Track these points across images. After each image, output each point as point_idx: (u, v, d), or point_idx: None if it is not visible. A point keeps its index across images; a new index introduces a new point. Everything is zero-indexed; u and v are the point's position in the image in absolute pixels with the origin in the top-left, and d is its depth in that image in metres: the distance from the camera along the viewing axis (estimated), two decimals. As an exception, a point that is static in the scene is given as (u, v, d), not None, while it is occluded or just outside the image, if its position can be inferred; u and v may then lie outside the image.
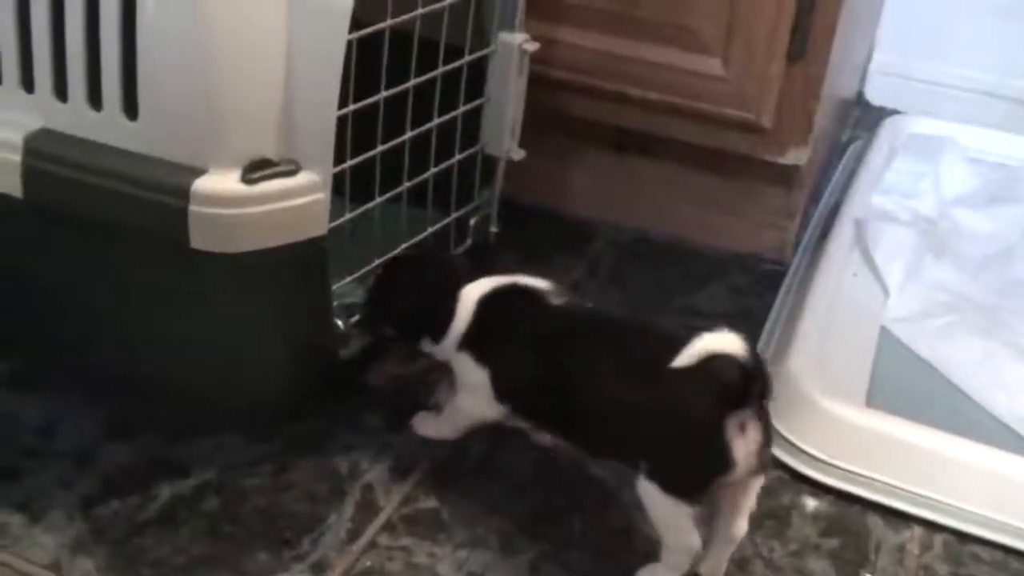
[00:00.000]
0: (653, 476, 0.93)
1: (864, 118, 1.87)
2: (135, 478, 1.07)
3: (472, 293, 1.05)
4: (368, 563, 1.01)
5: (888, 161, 1.68)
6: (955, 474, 1.11)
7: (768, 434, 0.92)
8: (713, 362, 0.88)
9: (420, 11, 1.03)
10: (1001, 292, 1.43)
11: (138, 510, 1.04)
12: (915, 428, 1.15)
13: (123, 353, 1.07)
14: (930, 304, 1.39)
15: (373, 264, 1.08)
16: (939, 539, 1.09)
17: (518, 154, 1.15)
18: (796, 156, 1.38)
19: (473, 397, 1.06)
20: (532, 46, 1.12)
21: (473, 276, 1.06)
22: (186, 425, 1.13)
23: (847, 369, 1.26)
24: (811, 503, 1.12)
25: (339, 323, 1.09)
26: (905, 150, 1.71)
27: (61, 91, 0.94)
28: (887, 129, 1.78)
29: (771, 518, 1.09)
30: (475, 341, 1.04)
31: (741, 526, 0.97)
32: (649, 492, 0.93)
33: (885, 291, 1.41)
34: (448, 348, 1.06)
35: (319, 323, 1.06)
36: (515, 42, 1.11)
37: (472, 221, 1.21)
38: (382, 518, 1.06)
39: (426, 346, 1.08)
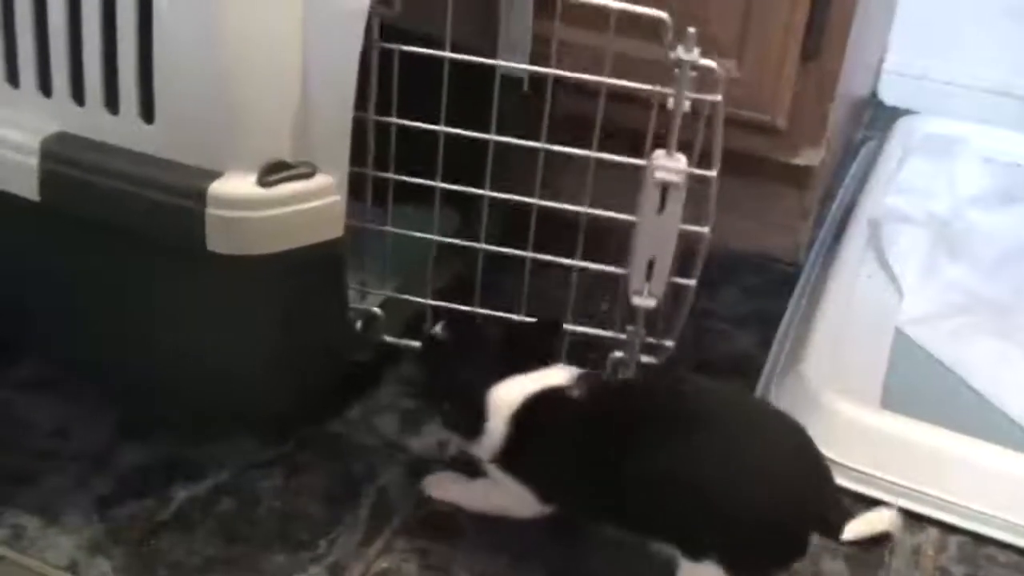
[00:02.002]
0: (725, 560, 0.89)
1: (877, 118, 1.86)
2: (151, 480, 1.08)
3: (503, 405, 0.95)
4: (384, 565, 1.01)
5: (902, 161, 1.67)
6: (970, 476, 1.11)
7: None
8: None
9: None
10: (1016, 293, 1.42)
11: (154, 511, 1.05)
12: (930, 430, 1.14)
13: (139, 355, 1.07)
14: (945, 305, 1.38)
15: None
16: (954, 541, 1.09)
17: (648, 302, 1.01)
18: (810, 157, 1.37)
19: (514, 501, 1.00)
20: (672, 177, 0.96)
21: (504, 366, 0.97)
22: (201, 427, 1.13)
23: (861, 371, 1.25)
24: (826, 505, 1.11)
25: (355, 326, 1.09)
26: (919, 150, 1.70)
27: (78, 95, 0.94)
28: (901, 129, 1.77)
29: (786, 520, 1.09)
30: (511, 458, 0.97)
31: None
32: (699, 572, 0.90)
33: (899, 292, 1.40)
34: (482, 455, 0.99)
35: (335, 326, 1.06)
36: (649, 173, 0.97)
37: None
38: (397, 520, 1.06)
39: (465, 444, 1.01)
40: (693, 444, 0.90)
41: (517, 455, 0.97)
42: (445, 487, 1.07)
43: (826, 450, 1.12)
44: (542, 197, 1.04)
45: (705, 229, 1.01)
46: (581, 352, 1.10)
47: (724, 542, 0.89)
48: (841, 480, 1.12)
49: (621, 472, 0.91)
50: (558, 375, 0.97)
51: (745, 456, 0.90)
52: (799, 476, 0.91)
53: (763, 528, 0.89)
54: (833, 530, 0.93)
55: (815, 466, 0.92)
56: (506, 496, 1.00)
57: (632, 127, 1.00)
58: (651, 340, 1.07)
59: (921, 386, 1.24)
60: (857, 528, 0.96)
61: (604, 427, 0.94)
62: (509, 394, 0.96)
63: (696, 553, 0.90)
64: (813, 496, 0.91)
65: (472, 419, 0.96)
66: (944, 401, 1.22)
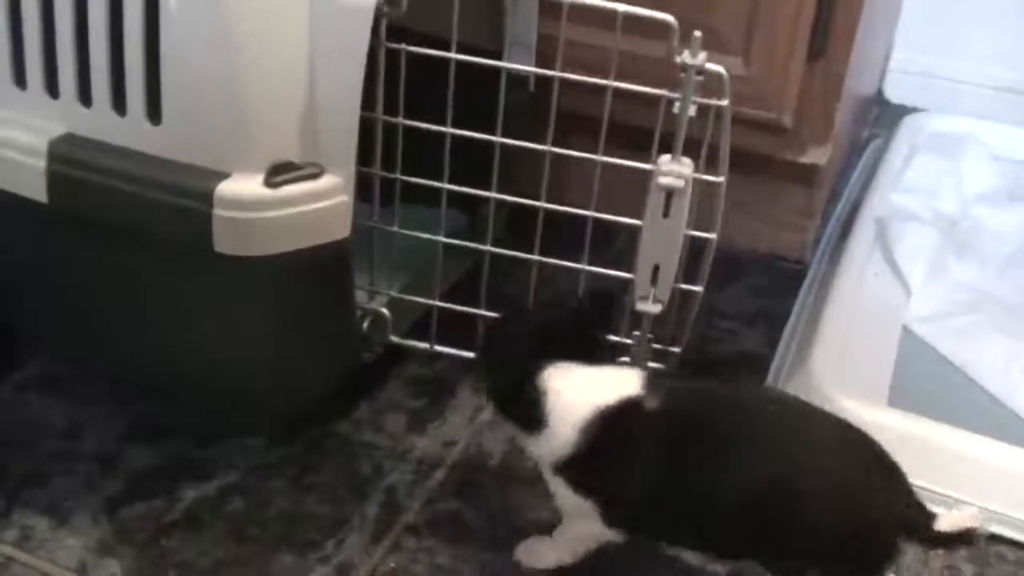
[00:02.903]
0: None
1: (884, 116, 1.86)
2: (159, 480, 1.08)
3: (572, 409, 0.89)
4: (392, 564, 1.02)
5: (908, 159, 1.67)
6: (979, 474, 1.11)
7: None
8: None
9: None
10: (1023, 291, 1.42)
11: (163, 512, 1.05)
12: (938, 428, 1.14)
13: (147, 356, 1.08)
14: (952, 303, 1.38)
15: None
16: (964, 540, 1.08)
17: (653, 308, 1.00)
18: (817, 155, 1.37)
19: (584, 523, 0.94)
20: (677, 182, 0.94)
21: (562, 348, 0.91)
22: (209, 427, 1.14)
23: (869, 369, 1.25)
24: (834, 504, 1.11)
25: (362, 326, 1.09)
26: (926, 148, 1.70)
27: (85, 96, 0.94)
28: (907, 127, 1.77)
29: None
30: (578, 471, 0.90)
31: None
32: None
33: (907, 290, 1.40)
34: (541, 458, 0.93)
35: (342, 326, 1.06)
36: (654, 178, 0.95)
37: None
38: (405, 520, 1.06)
39: (523, 439, 0.94)
40: (784, 461, 0.87)
41: (586, 469, 0.90)
42: (538, 553, 1.01)
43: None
44: (548, 192, 1.04)
45: (712, 235, 0.99)
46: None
47: (819, 559, 0.88)
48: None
49: (714, 494, 0.87)
50: (629, 381, 0.90)
51: (832, 470, 0.87)
52: (882, 485, 0.89)
53: (855, 541, 0.87)
54: (920, 532, 0.89)
55: (892, 473, 0.90)
56: (577, 522, 0.94)
57: (637, 124, 1.00)
58: (658, 346, 1.06)
59: (929, 384, 1.24)
60: (944, 525, 0.90)
61: (691, 445, 0.88)
62: (579, 399, 0.89)
63: (790, 572, 0.89)
64: (896, 503, 0.89)
65: (529, 410, 0.90)
66: (952, 399, 1.22)
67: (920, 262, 1.43)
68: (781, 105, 1.32)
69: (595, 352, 0.93)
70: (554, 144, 1.02)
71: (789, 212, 1.42)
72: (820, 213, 1.45)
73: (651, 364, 1.07)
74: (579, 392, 0.89)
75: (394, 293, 1.12)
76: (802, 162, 1.37)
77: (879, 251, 1.46)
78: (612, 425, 0.88)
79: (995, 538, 1.08)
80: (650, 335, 1.05)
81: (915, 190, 1.58)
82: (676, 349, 1.07)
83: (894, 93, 1.92)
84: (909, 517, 0.89)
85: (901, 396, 1.21)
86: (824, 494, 0.86)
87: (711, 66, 0.93)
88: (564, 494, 0.92)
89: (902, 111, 1.84)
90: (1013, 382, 1.24)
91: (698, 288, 1.03)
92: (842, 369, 1.20)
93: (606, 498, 0.90)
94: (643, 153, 0.99)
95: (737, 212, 1.28)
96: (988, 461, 1.12)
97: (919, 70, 1.91)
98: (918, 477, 1.10)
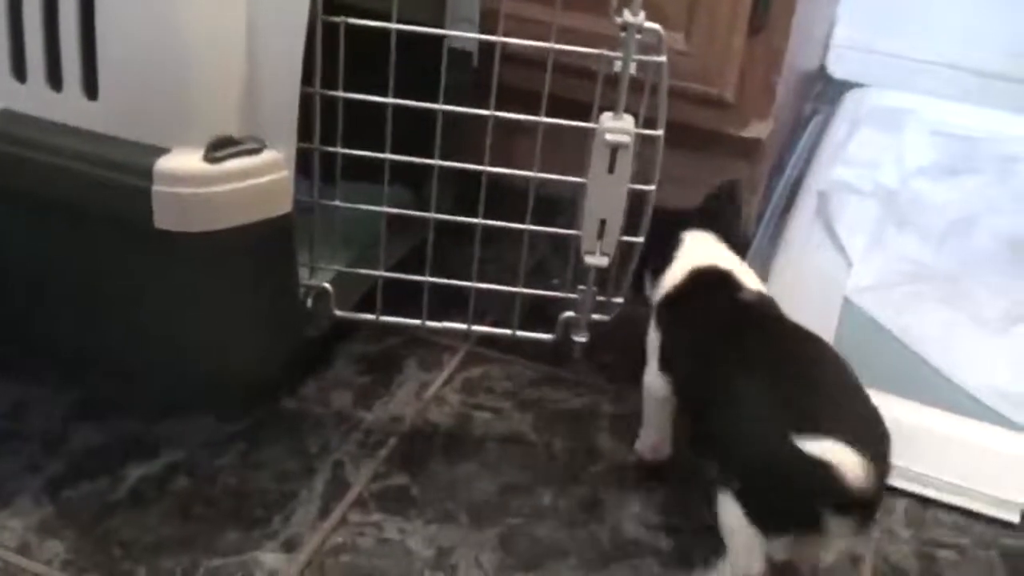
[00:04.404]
0: (741, 499, 0.91)
1: (826, 92, 1.88)
2: (104, 459, 1.08)
3: (685, 260, 1.08)
4: (339, 539, 1.02)
5: (850, 134, 1.69)
6: (917, 441, 1.13)
7: (875, 508, 0.91)
8: (825, 473, 0.86)
9: None
10: (962, 262, 1.44)
11: (107, 491, 1.04)
12: (877, 397, 1.16)
13: (92, 333, 1.07)
14: (892, 274, 1.40)
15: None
16: (901, 504, 1.11)
17: (600, 260, 1.03)
18: (758, 129, 1.38)
19: (649, 364, 1.08)
20: (621, 138, 0.97)
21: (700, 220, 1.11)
22: (155, 406, 1.13)
23: (811, 339, 1.27)
24: (776, 472, 1.13)
25: (306, 302, 1.09)
26: (867, 122, 1.72)
27: (20, 72, 0.93)
28: (849, 102, 1.79)
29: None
30: (663, 307, 1.07)
31: (866, 570, 0.95)
32: (729, 508, 0.92)
33: (848, 262, 1.42)
34: (653, 299, 1.09)
35: (286, 301, 1.06)
36: (598, 135, 0.97)
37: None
38: (352, 495, 1.06)
39: (648, 287, 1.11)
40: (754, 369, 0.95)
41: (669, 306, 1.07)
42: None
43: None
44: (493, 165, 1.04)
45: (651, 187, 1.03)
46: (532, 315, 1.11)
47: (741, 480, 0.91)
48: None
49: (712, 373, 0.99)
50: (731, 260, 1.08)
51: (781, 400, 0.92)
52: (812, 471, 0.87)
53: (771, 475, 0.89)
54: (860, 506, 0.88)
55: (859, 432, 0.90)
56: (647, 369, 1.07)
57: (580, 99, 1.00)
58: (601, 298, 1.09)
59: (868, 353, 1.25)
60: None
61: (720, 322, 1.03)
62: (695, 255, 1.08)
63: (723, 482, 0.93)
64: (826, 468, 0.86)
65: (667, 257, 1.08)
66: (891, 368, 1.24)
67: (861, 234, 1.45)
68: (723, 80, 1.33)
69: (731, 232, 1.13)
70: (497, 119, 1.02)
71: (732, 186, 1.43)
72: (763, 187, 1.47)
73: (595, 316, 1.10)
74: (698, 251, 1.08)
75: (337, 267, 1.11)
76: (744, 136, 1.38)
77: (821, 224, 1.48)
78: (701, 279, 1.06)
79: (932, 503, 1.11)
80: (594, 287, 1.07)
81: (857, 164, 1.61)
82: (619, 300, 1.10)
83: (837, 68, 1.94)
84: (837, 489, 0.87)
85: (841, 365, 1.23)
86: (762, 420, 0.92)
87: (649, 24, 0.96)
88: (652, 337, 1.07)
89: (845, 86, 1.86)
90: (950, 351, 1.27)
91: (639, 240, 1.06)
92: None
93: (668, 336, 1.05)
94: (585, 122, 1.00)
95: (681, 186, 1.28)
96: (926, 428, 1.14)
97: (861, 46, 1.93)
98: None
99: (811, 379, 0.96)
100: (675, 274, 1.08)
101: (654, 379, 1.07)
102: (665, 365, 1.06)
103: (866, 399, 0.95)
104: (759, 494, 0.91)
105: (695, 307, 1.06)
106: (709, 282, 1.06)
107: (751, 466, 0.91)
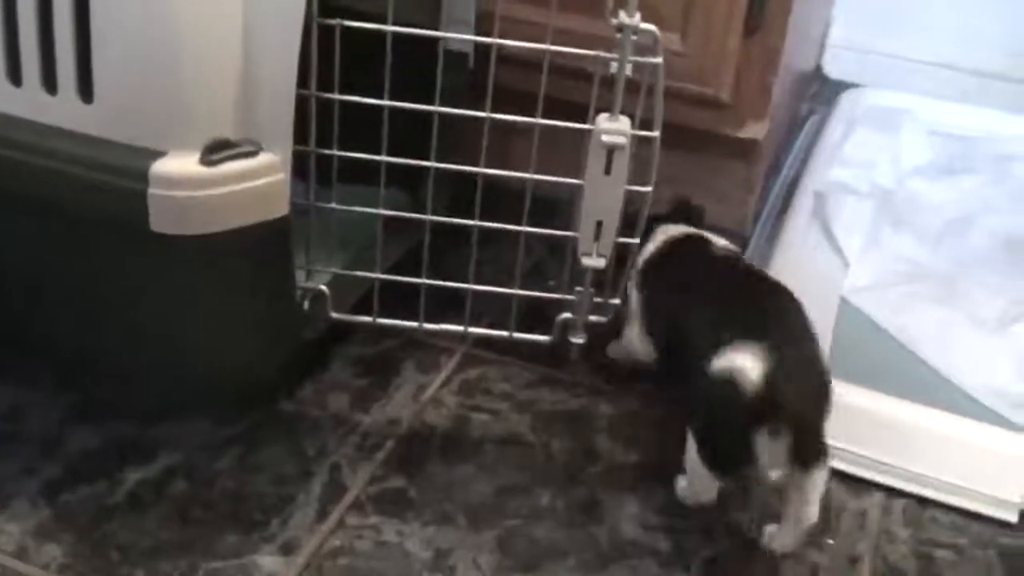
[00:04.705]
0: (696, 436, 1.00)
1: (823, 92, 1.88)
2: (101, 462, 1.08)
3: (665, 232, 1.18)
4: (337, 542, 1.02)
5: (847, 134, 1.69)
6: (914, 440, 1.13)
7: (804, 435, 0.94)
8: (731, 386, 0.94)
9: None
10: (958, 262, 1.44)
11: (105, 495, 1.04)
12: (875, 397, 1.17)
13: (88, 336, 1.07)
14: (889, 274, 1.40)
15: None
16: (899, 504, 1.11)
17: (597, 262, 1.04)
18: (755, 130, 1.38)
19: (630, 326, 1.16)
20: (618, 140, 0.97)
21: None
22: (153, 409, 1.13)
23: (808, 340, 1.27)
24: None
25: (303, 304, 1.09)
26: (864, 123, 1.72)
27: (15, 76, 0.93)
28: (846, 102, 1.79)
29: (734, 487, 1.11)
30: (640, 273, 1.15)
31: (808, 512, 0.98)
32: (689, 445, 1.01)
33: (844, 262, 1.42)
34: (635, 275, 1.15)
35: (282, 304, 1.06)
36: (595, 136, 0.97)
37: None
38: (350, 497, 1.06)
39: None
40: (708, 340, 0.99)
41: (645, 272, 1.15)
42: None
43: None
44: (489, 168, 1.04)
45: (648, 188, 1.03)
46: (529, 317, 1.12)
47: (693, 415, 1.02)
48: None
49: (677, 314, 1.07)
50: (709, 235, 1.18)
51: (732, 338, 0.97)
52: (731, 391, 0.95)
53: (699, 399, 1.00)
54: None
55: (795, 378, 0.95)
56: (628, 328, 1.17)
57: (576, 101, 1.01)
58: (598, 300, 1.10)
59: (865, 353, 1.26)
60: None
61: (692, 270, 1.13)
62: (666, 233, 1.18)
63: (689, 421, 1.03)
64: (768, 405, 0.93)
65: (645, 238, 1.14)
66: (888, 368, 1.24)
67: (858, 234, 1.45)
68: (719, 81, 1.33)
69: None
70: (493, 121, 1.02)
71: (729, 186, 1.44)
72: (760, 187, 1.47)
73: (592, 317, 1.10)
74: (673, 229, 1.19)
75: (334, 269, 1.11)
76: (741, 137, 1.38)
77: (817, 224, 1.48)
78: (676, 241, 1.17)
79: (930, 503, 1.11)
80: (591, 289, 1.08)
81: (853, 164, 1.61)
82: (615, 301, 1.11)
83: (833, 69, 1.94)
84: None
85: (839, 365, 1.22)
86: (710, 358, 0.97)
87: (645, 25, 0.96)
88: (634, 298, 1.15)
89: (841, 86, 1.86)
90: (947, 350, 1.27)
91: (635, 241, 1.07)
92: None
93: (648, 293, 1.14)
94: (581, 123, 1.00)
95: (677, 187, 1.29)
96: (922, 427, 1.14)
97: (857, 46, 1.93)
98: (855, 444, 1.13)
99: (756, 316, 1.01)
100: (654, 243, 1.17)
101: (637, 343, 1.15)
102: (648, 326, 1.13)
103: (812, 343, 1.01)
104: (701, 428, 1.00)
105: (672, 262, 1.15)
106: (683, 242, 1.16)
107: (694, 395, 1.01)
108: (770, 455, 0.93)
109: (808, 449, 0.95)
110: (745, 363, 0.93)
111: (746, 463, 0.95)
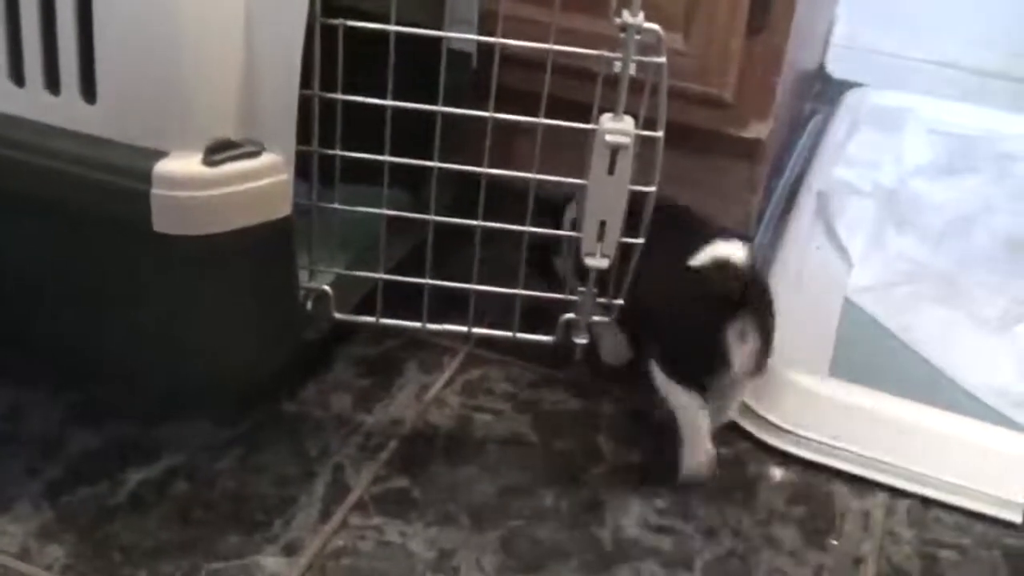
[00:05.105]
0: (662, 362, 1.06)
1: (826, 91, 1.88)
2: (103, 463, 1.07)
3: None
4: (340, 543, 1.02)
5: (850, 134, 1.69)
6: (918, 441, 1.13)
7: (766, 341, 1.04)
8: (718, 271, 1.02)
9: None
10: (961, 262, 1.44)
11: (107, 496, 1.04)
12: (878, 396, 1.17)
13: (91, 337, 1.07)
14: (892, 274, 1.40)
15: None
16: (903, 505, 1.11)
17: (600, 262, 1.03)
18: (758, 130, 1.38)
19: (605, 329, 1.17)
20: (621, 139, 0.97)
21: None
22: (155, 409, 1.13)
23: (811, 340, 1.27)
24: (777, 473, 1.13)
25: (305, 304, 1.08)
26: (867, 122, 1.72)
27: (18, 76, 0.93)
28: (849, 102, 1.79)
29: (738, 488, 1.11)
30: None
31: (729, 414, 1.09)
32: (658, 376, 1.06)
33: (848, 262, 1.42)
34: None
35: (285, 304, 1.06)
36: (598, 136, 0.97)
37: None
38: (353, 498, 1.06)
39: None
40: (659, 261, 1.04)
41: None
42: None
43: (775, 418, 1.15)
44: (492, 168, 1.04)
45: (651, 188, 1.03)
46: (532, 317, 1.11)
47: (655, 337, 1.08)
48: (792, 448, 1.14)
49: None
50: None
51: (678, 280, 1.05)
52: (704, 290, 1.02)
53: (665, 306, 1.05)
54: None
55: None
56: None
57: (579, 100, 1.00)
58: (602, 300, 1.09)
59: (869, 353, 1.26)
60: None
61: (663, 226, 1.08)
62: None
63: (651, 355, 1.08)
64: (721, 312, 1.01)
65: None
66: (891, 368, 1.24)
67: (861, 234, 1.46)
68: (722, 80, 1.33)
69: None
70: (496, 121, 1.02)
71: (732, 186, 1.43)
72: (763, 187, 1.47)
73: (596, 317, 1.10)
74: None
75: (337, 269, 1.11)
76: (744, 136, 1.38)
77: (821, 224, 1.48)
78: (659, 211, 1.08)
79: (934, 503, 1.11)
80: (595, 289, 1.08)
81: (856, 164, 1.61)
82: (619, 301, 1.10)
83: (836, 68, 1.94)
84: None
85: (842, 365, 1.23)
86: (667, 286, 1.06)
87: (649, 24, 0.96)
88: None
89: (844, 86, 1.86)
90: (950, 350, 1.27)
91: (639, 241, 1.06)
92: (784, 340, 1.20)
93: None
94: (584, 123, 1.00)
95: (680, 186, 1.28)
96: (926, 428, 1.14)
97: (861, 46, 1.93)
98: (858, 444, 1.13)
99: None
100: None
101: (611, 341, 1.20)
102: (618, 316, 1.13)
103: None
104: (665, 340, 1.06)
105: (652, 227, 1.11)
106: (664, 210, 1.10)
107: (654, 312, 1.06)
108: (741, 359, 1.02)
109: (769, 349, 1.04)
110: (731, 251, 1.03)
111: (722, 370, 1.03)
